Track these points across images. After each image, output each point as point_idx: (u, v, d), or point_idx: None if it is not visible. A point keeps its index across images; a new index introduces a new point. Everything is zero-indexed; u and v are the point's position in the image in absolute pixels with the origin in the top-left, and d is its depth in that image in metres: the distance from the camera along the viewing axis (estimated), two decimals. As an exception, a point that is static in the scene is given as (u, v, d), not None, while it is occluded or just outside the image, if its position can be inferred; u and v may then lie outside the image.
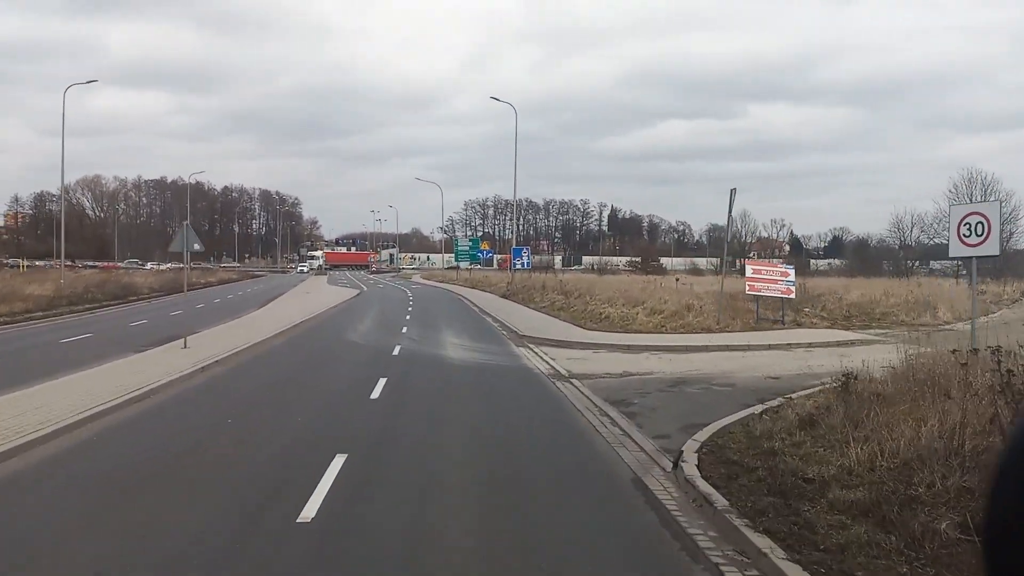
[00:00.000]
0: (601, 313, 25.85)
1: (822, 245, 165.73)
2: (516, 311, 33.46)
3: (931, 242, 67.85)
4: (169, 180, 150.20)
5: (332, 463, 8.41)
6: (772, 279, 22.61)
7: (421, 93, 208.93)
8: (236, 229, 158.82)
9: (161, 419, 11.39)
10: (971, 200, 46.12)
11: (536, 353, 19.77)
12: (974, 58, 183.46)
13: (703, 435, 9.62)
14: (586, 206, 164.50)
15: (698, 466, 8.02)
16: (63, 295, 37.89)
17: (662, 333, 22.07)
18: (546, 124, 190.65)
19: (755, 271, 22.84)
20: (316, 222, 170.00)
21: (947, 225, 14.04)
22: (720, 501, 6.75)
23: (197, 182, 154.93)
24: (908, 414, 7.66)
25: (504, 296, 45.16)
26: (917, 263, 68.70)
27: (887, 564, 5.33)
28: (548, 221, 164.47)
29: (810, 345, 19.30)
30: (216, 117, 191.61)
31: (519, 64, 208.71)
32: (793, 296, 22.86)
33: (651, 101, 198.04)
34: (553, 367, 17.13)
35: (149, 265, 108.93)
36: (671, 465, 8.54)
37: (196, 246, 18.62)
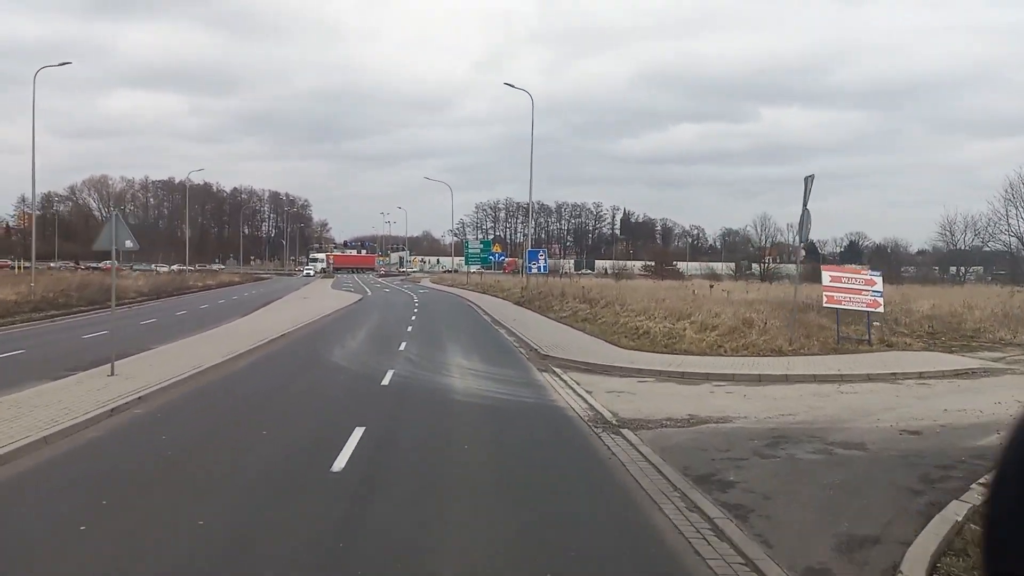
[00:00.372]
0: (638, 328, 21.30)
1: (838, 250, 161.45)
2: (534, 322, 28.97)
3: (986, 247, 62.51)
4: (177, 181, 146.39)
5: None
6: (855, 288, 18.02)
7: (433, 95, 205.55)
8: (245, 231, 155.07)
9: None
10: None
11: (565, 382, 15.29)
12: (989, 60, 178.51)
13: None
14: (599, 209, 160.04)
15: None
16: (29, 300, 33.66)
17: (721, 355, 17.53)
18: (558, 126, 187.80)
19: (834, 279, 18.23)
20: (326, 224, 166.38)
21: (1004, 228, 9.49)
22: None
23: (205, 183, 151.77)
24: None
25: (518, 303, 40.66)
26: (967, 270, 63.56)
27: None
28: (560, 224, 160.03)
29: (921, 375, 14.72)
30: (229, 119, 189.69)
31: (532, 65, 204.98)
32: (881, 309, 18.25)
33: (663, 103, 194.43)
34: (592, 406, 12.63)
35: (153, 267, 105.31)
36: None
37: (128, 243, 14.24)
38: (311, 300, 43.57)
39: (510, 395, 13.80)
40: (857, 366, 15.65)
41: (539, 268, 39.17)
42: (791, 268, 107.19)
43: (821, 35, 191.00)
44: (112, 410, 11.02)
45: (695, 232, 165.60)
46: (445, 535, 6.62)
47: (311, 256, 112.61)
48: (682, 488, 7.97)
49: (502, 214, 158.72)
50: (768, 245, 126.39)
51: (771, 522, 6.95)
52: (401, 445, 9.92)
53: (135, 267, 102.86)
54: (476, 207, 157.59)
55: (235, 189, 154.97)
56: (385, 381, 14.80)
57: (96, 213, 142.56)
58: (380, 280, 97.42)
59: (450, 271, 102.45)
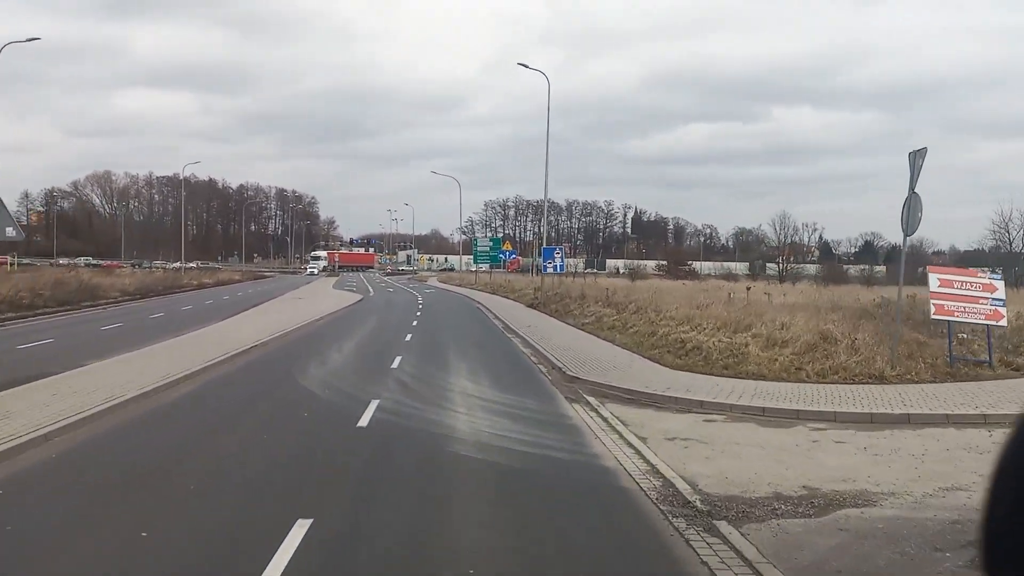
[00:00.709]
0: (684, 341, 17.24)
1: (852, 250, 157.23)
2: (552, 330, 24.94)
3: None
4: (181, 177, 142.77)
5: None
6: (970, 296, 13.93)
7: (443, 95, 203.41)
8: (248, 229, 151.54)
9: None
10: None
11: (605, 419, 11.29)
12: (1003, 61, 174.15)
13: None
14: (610, 207, 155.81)
15: None
16: (-14, 301, 29.88)
17: (803, 381, 13.45)
18: (567, 126, 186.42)
19: (944, 283, 14.09)
20: (333, 222, 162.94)
21: None
22: None
23: (210, 179, 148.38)
24: None
25: (532, 306, 36.64)
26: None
27: None
28: (571, 223, 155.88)
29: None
30: (240, 118, 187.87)
31: (541, 66, 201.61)
32: (1004, 322, 14.14)
33: (673, 104, 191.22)
34: (653, 466, 8.62)
35: (151, 264, 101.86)
36: None
37: (10, 231, 10.45)
38: (306, 301, 39.66)
39: (535, 444, 9.76)
40: (996, 401, 11.59)
41: (555, 267, 35.19)
42: (811, 268, 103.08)
43: (833, 36, 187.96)
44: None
45: (707, 231, 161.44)
46: None
47: (312, 254, 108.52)
48: None
49: (511, 212, 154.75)
50: (787, 244, 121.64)
51: None
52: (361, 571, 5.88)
53: (139, 264, 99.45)
54: (485, 205, 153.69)
55: (241, 186, 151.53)
56: (363, 420, 10.77)
57: (100, 210, 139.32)
58: (386, 279, 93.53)
59: (458, 270, 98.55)
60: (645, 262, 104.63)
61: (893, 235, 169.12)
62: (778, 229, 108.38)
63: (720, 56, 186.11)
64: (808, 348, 14.72)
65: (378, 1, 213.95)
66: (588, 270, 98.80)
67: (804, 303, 27.90)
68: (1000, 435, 8.65)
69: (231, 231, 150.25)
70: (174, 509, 6.94)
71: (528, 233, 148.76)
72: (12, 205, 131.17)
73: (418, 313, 33.54)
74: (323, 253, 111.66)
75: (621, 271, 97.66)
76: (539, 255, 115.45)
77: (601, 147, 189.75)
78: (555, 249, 36.28)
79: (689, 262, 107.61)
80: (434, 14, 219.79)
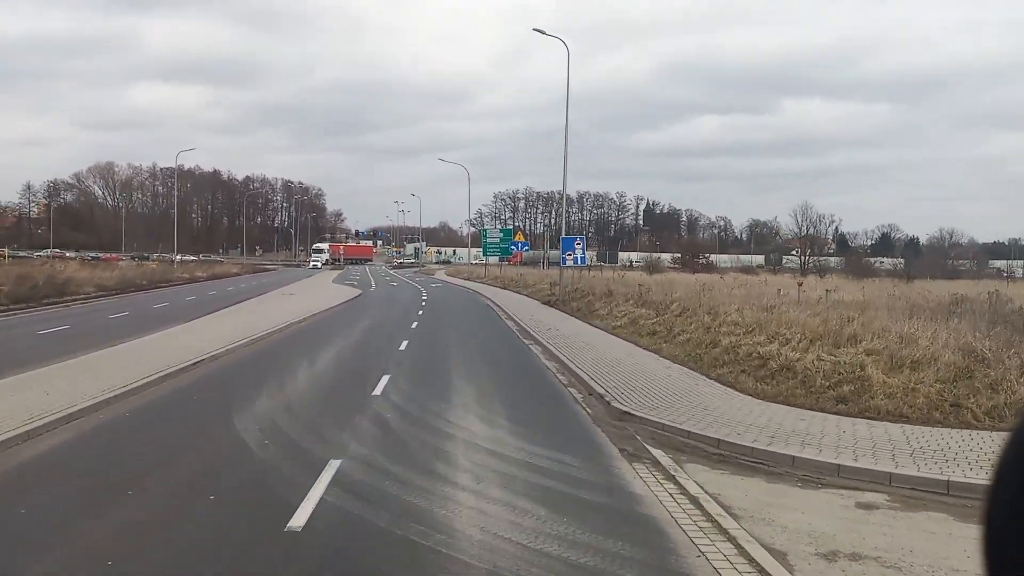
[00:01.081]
0: (764, 357, 12.79)
1: (869, 243, 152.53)
2: (578, 335, 20.51)
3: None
4: (186, 168, 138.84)
5: None
6: None
7: (453, 88, 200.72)
8: (254, 221, 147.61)
9: None
10: None
11: (696, 501, 6.88)
12: (1017, 52, 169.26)
13: None
14: (622, 199, 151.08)
15: None
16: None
17: (972, 426, 9.00)
18: (577, 119, 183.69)
19: None
20: (341, 215, 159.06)
21: None
22: None
23: (215, 170, 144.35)
24: None
25: (548, 303, 32.22)
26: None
27: None
28: (582, 215, 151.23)
29: None
30: (251, 111, 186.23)
31: (552, 58, 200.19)
32: None
33: (684, 96, 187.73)
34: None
35: (155, 256, 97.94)
36: None
37: None
38: (297, 297, 35.33)
39: (591, 572, 5.39)
40: None
41: (576, 260, 30.73)
42: (831, 261, 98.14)
43: (845, 27, 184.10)
44: None
45: (721, 223, 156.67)
46: None
47: (315, 247, 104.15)
48: None
49: (521, 204, 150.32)
50: (810, 235, 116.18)
51: None
52: None
53: (139, 257, 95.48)
54: (495, 196, 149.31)
55: (247, 178, 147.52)
56: (302, 513, 6.35)
57: (102, 202, 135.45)
58: (392, 272, 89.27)
59: (467, 262, 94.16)
60: (660, 255, 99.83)
61: (910, 227, 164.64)
62: (799, 220, 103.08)
63: (730, 48, 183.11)
64: (958, 373, 10.24)
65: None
66: (598, 263, 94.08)
67: (866, 301, 23.48)
68: None
69: (237, 223, 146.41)
70: None
71: (538, 225, 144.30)
72: (14, 197, 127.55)
73: (420, 312, 29.16)
74: (325, 246, 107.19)
75: (634, 263, 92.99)
76: (551, 247, 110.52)
77: (611, 140, 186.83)
78: (575, 239, 31.78)
79: (706, 254, 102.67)
80: (445, 7, 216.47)
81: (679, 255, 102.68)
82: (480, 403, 11.32)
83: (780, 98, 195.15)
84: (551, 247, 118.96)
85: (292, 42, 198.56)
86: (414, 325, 23.86)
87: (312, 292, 40.26)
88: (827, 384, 10.88)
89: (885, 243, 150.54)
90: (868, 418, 9.65)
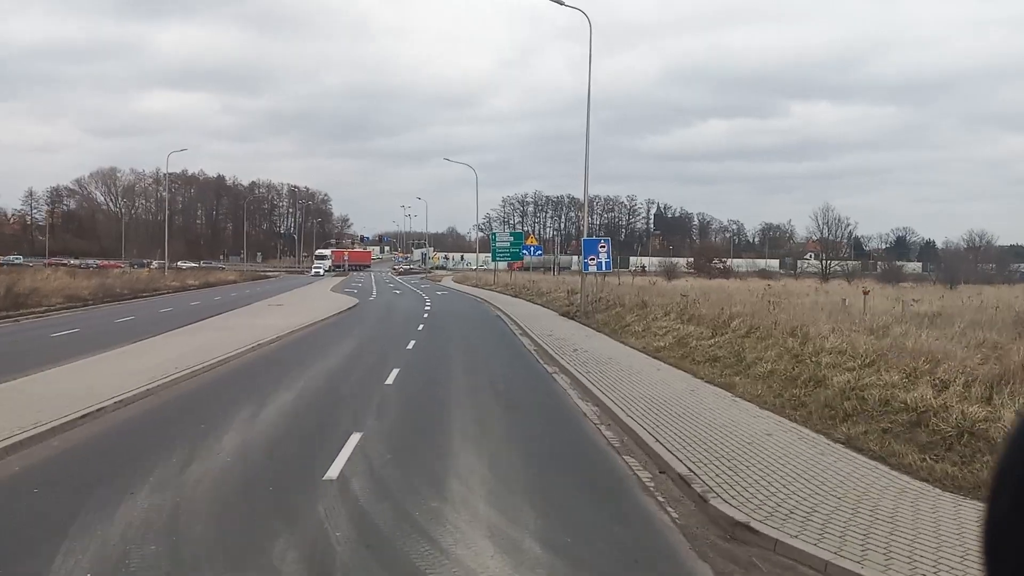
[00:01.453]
0: (911, 407, 8.37)
1: (883, 246, 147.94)
2: (612, 358, 16.03)
3: None
4: (189, 173, 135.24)
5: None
6: None
7: (461, 92, 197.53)
8: (260, 227, 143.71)
9: None
10: None
11: None
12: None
13: None
14: (633, 203, 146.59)
15: None
16: None
17: None
18: (584, 122, 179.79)
19: None
20: (347, 220, 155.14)
21: None
22: None
23: (219, 175, 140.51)
24: None
25: (567, 315, 27.81)
26: None
27: None
28: (592, 219, 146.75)
29: None
30: (260, 118, 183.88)
31: (559, 62, 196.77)
32: None
33: (691, 99, 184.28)
34: None
35: (155, 264, 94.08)
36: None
37: None
38: (282, 309, 31.00)
39: None
40: None
41: (599, 265, 26.28)
42: (850, 265, 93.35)
43: (852, 29, 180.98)
44: None
45: (734, 227, 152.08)
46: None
47: (318, 253, 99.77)
48: None
49: (530, 208, 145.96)
50: (826, 238, 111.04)
51: None
52: None
53: (138, 264, 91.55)
54: (503, 200, 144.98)
55: (253, 183, 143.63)
56: None
57: (105, 208, 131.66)
58: (397, 278, 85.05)
59: (475, 268, 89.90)
60: (674, 259, 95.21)
61: (925, 231, 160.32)
62: (820, 222, 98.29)
63: (738, 51, 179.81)
64: None
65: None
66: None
67: (952, 312, 19.15)
68: None
69: (243, 229, 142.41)
70: None
71: (548, 230, 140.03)
72: (16, 204, 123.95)
73: (420, 328, 24.76)
74: (328, 252, 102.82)
75: (647, 268, 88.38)
76: (562, 252, 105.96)
77: (620, 143, 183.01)
78: (599, 241, 27.26)
79: (724, 259, 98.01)
80: (452, 10, 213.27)
81: (692, 259, 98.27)
82: (495, 502, 6.87)
83: (787, 102, 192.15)
84: (562, 252, 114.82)
85: (299, 48, 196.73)
86: (411, 345, 19.47)
87: (302, 303, 35.91)
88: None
89: (900, 246, 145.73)
90: None
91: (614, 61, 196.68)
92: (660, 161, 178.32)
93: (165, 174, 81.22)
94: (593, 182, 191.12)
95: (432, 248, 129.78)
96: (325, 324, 25.34)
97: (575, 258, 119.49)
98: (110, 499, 6.63)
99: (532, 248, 54.02)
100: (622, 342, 19.12)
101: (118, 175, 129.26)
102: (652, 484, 7.60)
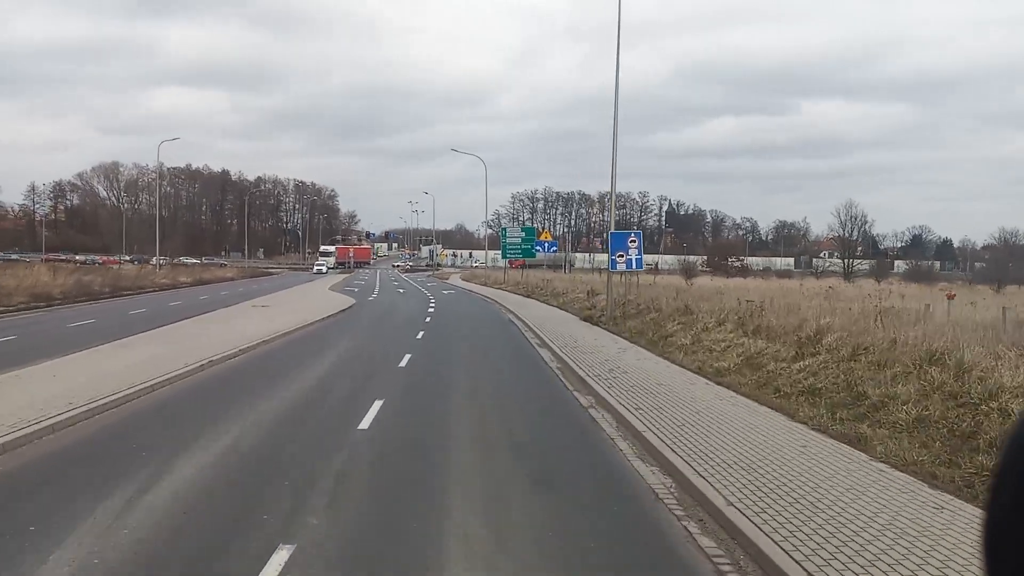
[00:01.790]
0: None
1: (899, 244, 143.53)
2: (663, 385, 12.01)
3: None
4: (193, 167, 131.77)
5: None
6: None
7: (468, 91, 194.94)
8: (266, 223, 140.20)
9: None
10: None
11: None
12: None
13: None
14: (645, 200, 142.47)
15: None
16: None
17: None
18: (592, 120, 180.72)
19: None
20: (354, 216, 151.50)
21: None
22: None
23: (224, 170, 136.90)
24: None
25: (589, 319, 23.86)
26: None
27: None
28: (603, 215, 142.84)
29: None
30: (268, 116, 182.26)
31: (567, 61, 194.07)
32: None
33: (700, 97, 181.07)
34: None
35: (154, 261, 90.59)
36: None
37: None
38: (267, 311, 27.12)
39: None
40: None
41: (628, 263, 22.26)
42: (865, 264, 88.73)
43: (864, 27, 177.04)
44: None
45: (747, 225, 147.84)
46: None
47: (322, 249, 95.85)
48: None
49: (540, 204, 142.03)
50: (841, 236, 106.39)
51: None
52: None
53: (137, 260, 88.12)
54: (512, 197, 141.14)
55: (259, 178, 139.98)
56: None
57: (108, 203, 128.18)
58: (403, 276, 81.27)
59: (484, 265, 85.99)
60: (692, 257, 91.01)
61: (943, 229, 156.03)
62: (842, 219, 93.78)
63: (748, 49, 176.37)
64: None
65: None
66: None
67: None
68: None
69: (251, 225, 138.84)
70: None
71: (558, 227, 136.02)
72: (19, 199, 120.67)
73: (420, 336, 20.82)
74: (333, 248, 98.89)
75: (660, 267, 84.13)
76: (574, 250, 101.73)
77: (629, 141, 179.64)
78: (628, 235, 23.22)
79: (740, 257, 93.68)
80: (460, 10, 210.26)
81: (706, 257, 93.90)
82: None
83: (797, 99, 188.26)
84: (574, 250, 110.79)
85: (308, 46, 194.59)
86: (405, 361, 15.54)
87: (292, 304, 32.00)
88: None
89: (917, 245, 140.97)
90: None
91: (624, 58, 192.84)
92: (669, 159, 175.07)
93: (158, 165, 77.17)
94: (602, 179, 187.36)
95: (440, 245, 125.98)
96: (310, 330, 21.41)
97: (581, 255, 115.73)
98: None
99: (547, 244, 49.99)
100: (667, 358, 15.14)
101: (121, 169, 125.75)
102: None
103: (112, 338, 17.82)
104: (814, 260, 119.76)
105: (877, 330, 11.64)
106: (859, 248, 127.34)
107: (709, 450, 8.08)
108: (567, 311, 28.57)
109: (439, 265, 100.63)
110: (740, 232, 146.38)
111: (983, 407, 7.83)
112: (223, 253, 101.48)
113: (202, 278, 55.16)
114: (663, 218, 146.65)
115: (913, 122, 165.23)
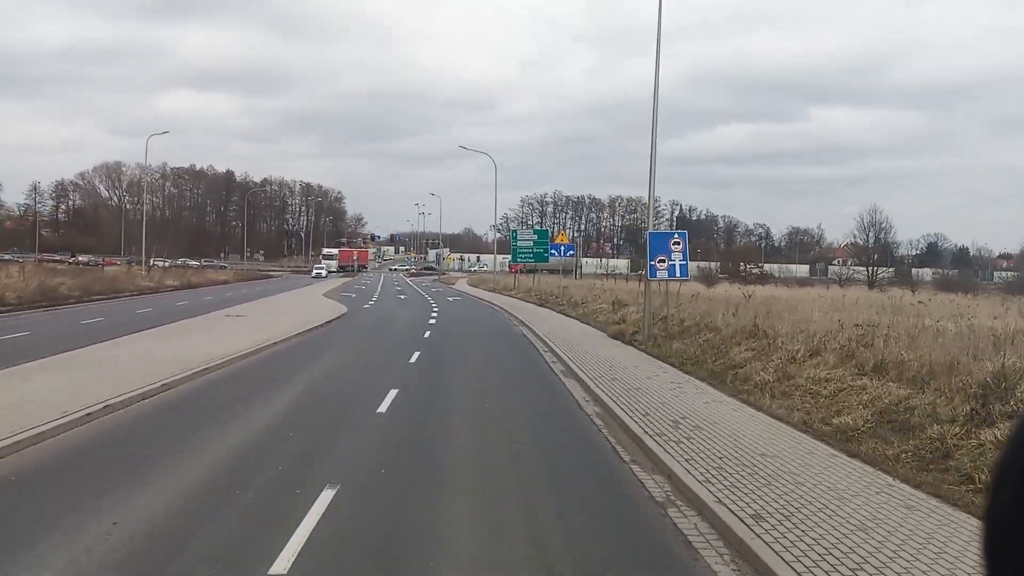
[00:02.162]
0: None
1: (913, 252, 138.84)
2: (771, 455, 7.61)
3: None
4: (197, 168, 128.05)
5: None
6: None
7: (479, 95, 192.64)
8: (245, 222, 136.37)
9: None
10: None
11: None
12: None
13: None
14: (656, 204, 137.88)
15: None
16: None
17: None
18: (602, 126, 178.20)
19: None
20: (361, 219, 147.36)
21: None
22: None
23: (228, 171, 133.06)
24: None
25: (618, 337, 19.57)
26: None
27: None
28: (613, 220, 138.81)
29: None
30: (279, 118, 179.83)
31: (578, 65, 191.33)
32: None
33: (710, 104, 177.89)
34: None
35: (157, 261, 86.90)
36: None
37: None
38: (239, 322, 22.89)
39: None
40: None
41: (670, 271, 17.94)
42: (884, 272, 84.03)
43: (874, 33, 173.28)
44: None
45: (761, 231, 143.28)
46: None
47: (324, 252, 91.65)
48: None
49: (550, 208, 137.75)
50: (856, 243, 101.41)
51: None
52: None
53: (135, 260, 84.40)
54: (522, 200, 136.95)
55: (264, 180, 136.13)
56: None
57: (109, 203, 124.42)
58: (408, 280, 77.08)
59: (493, 271, 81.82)
60: (711, 263, 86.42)
61: (959, 236, 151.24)
62: (865, 224, 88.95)
63: (758, 55, 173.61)
64: None
65: (416, 1, 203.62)
66: (636, 273, 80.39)
67: None
68: None
69: (256, 227, 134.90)
70: None
71: (569, 231, 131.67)
72: (20, 198, 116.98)
73: (415, 358, 16.45)
74: (335, 251, 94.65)
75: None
76: (583, 255, 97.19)
77: (638, 146, 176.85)
78: (671, 235, 18.99)
79: (760, 264, 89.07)
80: (472, 14, 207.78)
81: (719, 264, 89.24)
82: None
83: (808, 106, 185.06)
84: (585, 255, 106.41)
85: (320, 50, 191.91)
86: (389, 400, 11.24)
87: (273, 313, 27.72)
88: None
89: (932, 252, 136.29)
90: None
91: (634, 64, 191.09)
92: (679, 165, 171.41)
93: (146, 162, 73.17)
94: (610, 184, 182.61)
95: (448, 249, 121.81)
96: (277, 351, 17.04)
97: (591, 260, 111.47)
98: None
99: (563, 247, 45.67)
100: (748, 402, 10.79)
101: (123, 169, 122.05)
102: None
103: (32, 357, 13.60)
104: (830, 267, 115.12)
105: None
106: (875, 255, 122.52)
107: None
108: (589, 324, 24.27)
109: (444, 271, 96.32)
110: (752, 238, 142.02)
111: None
112: (222, 255, 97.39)
113: (191, 281, 51.09)
114: (674, 223, 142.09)
115: (926, 128, 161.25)
